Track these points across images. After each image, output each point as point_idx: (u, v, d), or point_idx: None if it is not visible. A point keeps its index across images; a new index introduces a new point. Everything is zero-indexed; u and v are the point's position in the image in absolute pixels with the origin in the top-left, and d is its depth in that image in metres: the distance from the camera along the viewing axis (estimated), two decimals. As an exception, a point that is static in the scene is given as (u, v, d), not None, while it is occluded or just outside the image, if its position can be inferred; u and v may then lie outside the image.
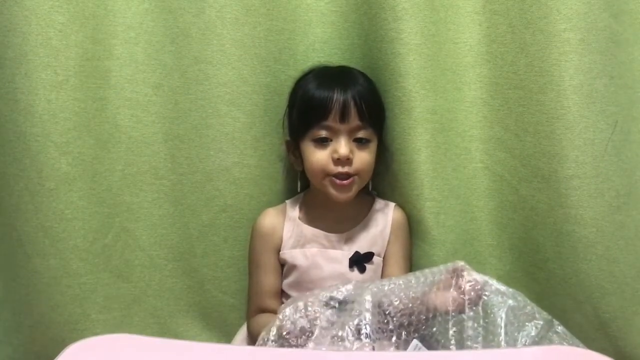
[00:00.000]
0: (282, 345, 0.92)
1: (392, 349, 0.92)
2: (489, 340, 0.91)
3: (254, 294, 1.16)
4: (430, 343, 0.94)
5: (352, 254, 1.14)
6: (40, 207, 1.14)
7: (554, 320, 0.95)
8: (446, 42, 1.17)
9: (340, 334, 0.90)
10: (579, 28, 1.09)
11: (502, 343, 0.89)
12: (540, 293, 1.19)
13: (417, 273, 0.97)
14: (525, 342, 0.90)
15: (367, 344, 0.90)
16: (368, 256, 1.14)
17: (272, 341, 0.93)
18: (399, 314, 0.93)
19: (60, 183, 1.14)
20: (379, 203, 1.19)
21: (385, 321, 0.93)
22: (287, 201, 1.20)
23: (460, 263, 0.95)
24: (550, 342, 0.92)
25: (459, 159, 1.19)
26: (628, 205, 1.13)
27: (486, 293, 0.93)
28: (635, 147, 1.15)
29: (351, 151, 1.09)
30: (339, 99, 1.08)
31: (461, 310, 0.92)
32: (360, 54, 1.20)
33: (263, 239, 1.16)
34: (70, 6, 1.12)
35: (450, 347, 0.91)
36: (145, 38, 1.18)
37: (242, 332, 1.19)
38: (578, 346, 0.94)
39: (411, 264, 1.19)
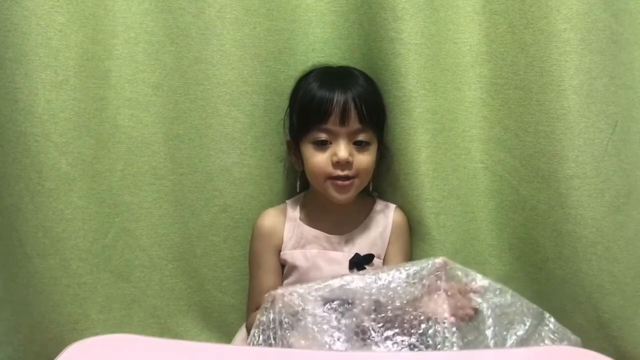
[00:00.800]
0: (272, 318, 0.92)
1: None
2: (479, 340, 0.91)
3: (254, 294, 1.16)
4: (422, 343, 0.94)
5: (352, 255, 1.14)
6: (40, 207, 1.14)
7: (544, 313, 0.95)
8: (446, 42, 1.17)
9: (336, 334, 0.91)
10: (579, 28, 1.09)
11: (491, 343, 0.90)
12: (540, 293, 1.19)
13: (400, 268, 0.96)
14: (514, 342, 0.91)
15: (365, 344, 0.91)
16: (368, 258, 1.14)
17: (266, 309, 0.93)
18: (390, 321, 0.94)
19: (60, 183, 1.14)
20: (380, 204, 1.19)
21: (380, 325, 0.94)
22: (288, 201, 1.20)
23: (440, 259, 0.95)
24: (540, 338, 0.92)
25: (459, 159, 1.19)
26: (628, 205, 1.13)
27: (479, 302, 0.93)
28: (635, 147, 1.15)
29: (351, 154, 1.09)
30: (339, 102, 1.08)
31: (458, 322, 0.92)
32: (360, 54, 1.20)
33: (263, 239, 1.16)
34: (70, 6, 1.12)
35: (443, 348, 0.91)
36: (145, 38, 1.18)
37: (242, 332, 1.19)
38: (569, 338, 0.94)
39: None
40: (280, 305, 0.92)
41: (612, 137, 1.11)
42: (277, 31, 1.18)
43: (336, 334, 0.92)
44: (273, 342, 0.91)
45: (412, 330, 0.93)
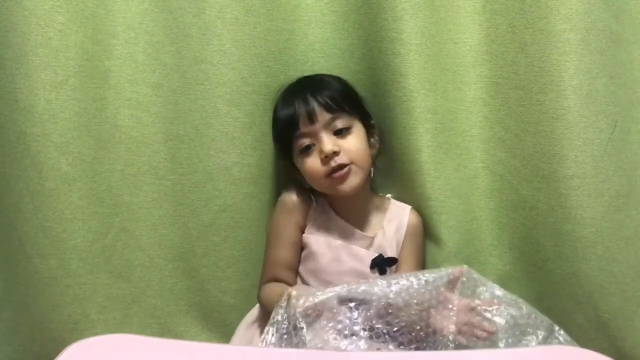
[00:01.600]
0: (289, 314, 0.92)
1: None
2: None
3: (269, 264, 1.16)
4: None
5: (374, 254, 1.14)
6: (40, 207, 1.14)
7: (554, 325, 0.95)
8: (446, 42, 1.17)
9: (349, 335, 0.91)
10: (579, 28, 1.09)
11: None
12: (540, 293, 1.19)
13: (419, 275, 0.97)
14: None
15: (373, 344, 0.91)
16: (391, 261, 1.15)
17: (281, 308, 0.94)
18: (399, 330, 0.94)
19: (60, 183, 1.14)
20: (395, 205, 1.20)
21: (392, 329, 0.94)
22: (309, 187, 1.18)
23: (458, 270, 0.95)
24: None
25: (459, 158, 1.19)
26: (628, 205, 1.13)
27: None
28: (635, 147, 1.15)
29: (334, 144, 1.09)
30: (299, 105, 1.10)
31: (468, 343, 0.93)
32: (360, 54, 1.20)
33: (288, 212, 1.16)
34: (70, 6, 1.12)
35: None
36: (145, 38, 1.18)
37: (241, 331, 1.19)
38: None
39: (424, 268, 1.19)
40: (294, 311, 0.92)
41: (611, 137, 1.11)
42: (277, 31, 1.18)
43: (349, 335, 0.92)
44: (286, 342, 0.91)
45: (418, 340, 0.93)
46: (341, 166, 1.09)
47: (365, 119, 1.15)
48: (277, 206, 1.18)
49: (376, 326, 0.93)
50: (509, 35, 1.15)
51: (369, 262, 1.14)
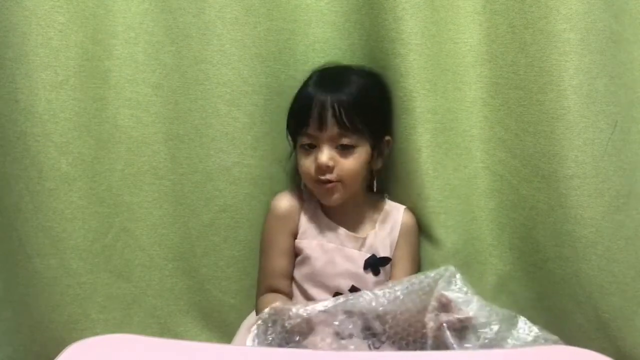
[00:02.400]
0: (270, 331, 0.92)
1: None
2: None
3: (264, 274, 1.16)
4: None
5: (367, 255, 1.14)
6: (40, 207, 1.14)
7: (517, 316, 0.94)
8: (446, 42, 1.17)
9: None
10: (579, 28, 1.09)
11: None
12: (540, 293, 1.19)
13: (405, 282, 0.96)
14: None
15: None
16: (385, 261, 1.15)
17: (264, 323, 0.93)
18: (392, 337, 0.94)
19: (60, 183, 1.14)
20: (390, 205, 1.20)
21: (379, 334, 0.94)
22: (304, 188, 1.18)
23: (448, 272, 0.95)
24: (515, 339, 0.92)
25: (459, 158, 1.19)
26: (628, 205, 1.13)
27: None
28: (635, 147, 1.15)
29: (332, 159, 1.09)
30: (316, 106, 1.08)
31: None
32: (360, 54, 1.20)
33: (280, 221, 1.16)
34: (70, 6, 1.12)
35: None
36: (145, 38, 1.18)
37: (242, 331, 1.19)
38: (547, 338, 0.93)
39: (419, 267, 1.19)
40: (280, 328, 0.92)
41: (612, 137, 1.11)
42: (277, 31, 1.18)
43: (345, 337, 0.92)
44: None
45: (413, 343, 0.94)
46: (329, 181, 1.10)
47: (377, 136, 1.13)
48: (269, 214, 1.17)
49: (369, 330, 0.93)
50: (509, 35, 1.15)
51: (362, 263, 1.14)
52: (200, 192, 1.21)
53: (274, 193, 1.22)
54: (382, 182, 1.21)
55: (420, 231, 1.19)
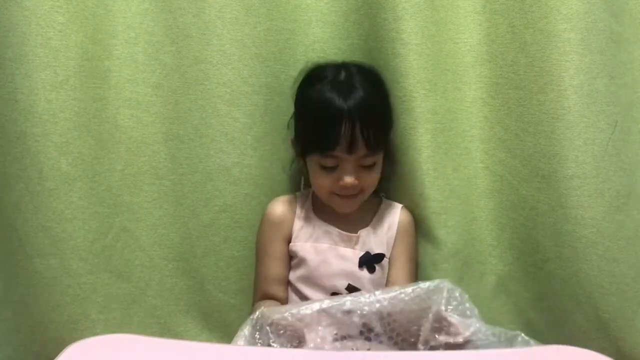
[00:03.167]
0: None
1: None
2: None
3: (260, 281, 1.17)
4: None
5: (362, 253, 1.14)
6: (40, 207, 1.14)
7: (516, 333, 0.93)
8: (446, 42, 1.17)
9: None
10: (579, 28, 1.09)
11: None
12: (540, 293, 1.19)
13: (401, 291, 0.95)
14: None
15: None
16: (379, 257, 1.15)
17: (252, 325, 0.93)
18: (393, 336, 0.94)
19: (60, 183, 1.14)
20: (386, 204, 1.20)
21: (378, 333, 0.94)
22: (297, 193, 1.20)
23: (447, 284, 0.94)
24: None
25: (459, 158, 1.19)
26: (628, 205, 1.13)
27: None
28: (635, 147, 1.15)
29: (357, 177, 1.09)
30: (346, 133, 1.05)
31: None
32: (360, 54, 1.19)
33: (273, 227, 1.16)
34: (70, 6, 1.12)
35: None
36: (145, 38, 1.18)
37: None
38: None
39: (417, 266, 1.19)
40: (265, 329, 0.92)
41: (612, 137, 1.11)
42: (277, 31, 1.18)
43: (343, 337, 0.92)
44: None
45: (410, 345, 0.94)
46: (351, 194, 1.11)
47: (388, 148, 1.15)
48: (263, 220, 1.18)
49: (369, 328, 0.93)
50: (509, 35, 1.15)
51: (356, 261, 1.14)
52: (200, 192, 1.21)
53: (274, 193, 1.22)
54: (383, 182, 1.21)
55: (421, 231, 1.19)
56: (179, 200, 1.22)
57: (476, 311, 0.93)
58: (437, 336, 0.92)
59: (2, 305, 1.23)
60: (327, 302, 0.93)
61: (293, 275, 1.16)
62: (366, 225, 1.17)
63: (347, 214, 1.16)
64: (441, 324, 0.92)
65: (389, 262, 1.16)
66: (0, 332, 1.24)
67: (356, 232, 1.16)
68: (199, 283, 1.24)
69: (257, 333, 0.92)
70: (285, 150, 1.20)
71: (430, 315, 0.92)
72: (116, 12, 1.16)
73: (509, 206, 1.20)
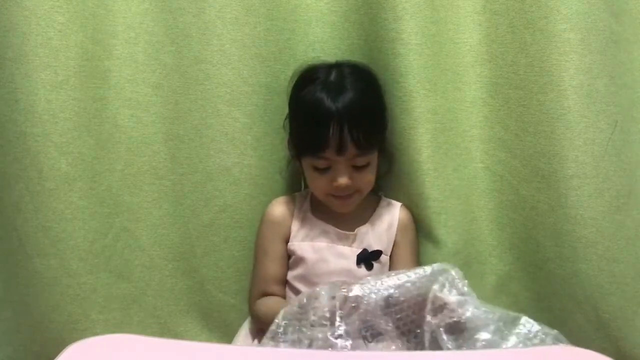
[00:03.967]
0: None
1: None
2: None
3: (259, 280, 1.17)
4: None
5: (359, 250, 1.14)
6: (40, 207, 1.14)
7: (519, 316, 0.93)
8: (446, 42, 1.17)
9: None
10: (579, 28, 1.09)
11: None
12: (540, 293, 1.19)
13: (409, 272, 0.96)
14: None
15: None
16: (376, 254, 1.15)
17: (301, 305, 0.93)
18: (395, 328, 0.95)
19: (60, 183, 1.14)
20: (385, 202, 1.20)
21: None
22: (297, 193, 1.21)
23: (445, 267, 0.94)
24: (516, 339, 0.92)
25: (459, 158, 1.19)
26: (628, 205, 1.13)
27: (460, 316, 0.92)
28: (635, 147, 1.15)
29: (350, 177, 1.09)
30: (334, 135, 1.05)
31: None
32: (360, 54, 1.19)
33: (272, 227, 1.17)
34: (70, 6, 1.12)
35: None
36: (145, 38, 1.18)
37: (243, 332, 1.19)
38: (549, 333, 0.93)
39: (419, 262, 1.19)
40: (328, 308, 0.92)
41: (612, 137, 1.11)
42: (277, 31, 1.18)
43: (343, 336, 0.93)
44: (298, 337, 0.91)
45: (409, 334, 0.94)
46: (347, 194, 1.11)
47: (383, 145, 1.15)
48: (262, 220, 1.18)
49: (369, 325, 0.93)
50: (509, 35, 1.15)
51: (354, 259, 1.14)
52: (200, 192, 1.21)
53: (274, 193, 1.22)
54: (382, 182, 1.21)
55: (421, 231, 1.19)
56: (179, 200, 1.22)
57: (473, 294, 0.94)
58: (432, 317, 0.92)
59: (2, 305, 1.23)
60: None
61: (291, 275, 1.16)
62: (364, 223, 1.17)
63: (344, 213, 1.16)
64: (437, 305, 0.92)
65: (393, 261, 1.16)
66: (0, 332, 1.24)
67: (353, 230, 1.16)
68: (199, 283, 1.24)
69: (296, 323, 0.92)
70: (285, 150, 1.20)
71: (428, 300, 0.93)
72: (116, 12, 1.16)
73: (509, 206, 1.20)
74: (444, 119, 1.17)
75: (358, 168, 1.10)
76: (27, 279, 1.18)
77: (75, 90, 1.14)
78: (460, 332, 0.91)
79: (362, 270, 1.14)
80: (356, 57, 1.19)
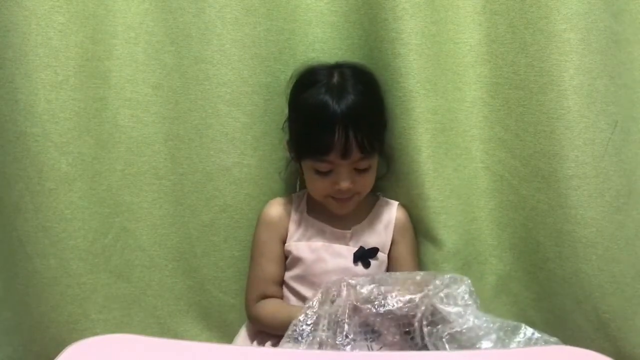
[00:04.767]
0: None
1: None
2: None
3: (256, 281, 1.16)
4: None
5: (354, 248, 1.14)
6: (40, 207, 1.14)
7: (520, 325, 0.94)
8: (446, 42, 1.17)
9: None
10: (579, 28, 1.09)
11: None
12: (540, 293, 1.19)
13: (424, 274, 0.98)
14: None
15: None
16: (373, 252, 1.15)
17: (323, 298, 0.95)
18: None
19: (60, 183, 1.14)
20: (383, 201, 1.20)
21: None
22: (293, 194, 1.21)
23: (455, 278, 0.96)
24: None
25: (459, 158, 1.19)
26: (628, 205, 1.13)
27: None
28: (635, 147, 1.15)
29: (352, 181, 1.09)
30: (340, 140, 1.05)
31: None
32: (360, 54, 1.19)
33: (269, 228, 1.16)
34: (70, 6, 1.12)
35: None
36: (145, 38, 1.18)
37: (243, 331, 1.19)
38: (548, 341, 0.93)
39: (419, 261, 1.20)
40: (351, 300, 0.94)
41: (612, 137, 1.11)
42: (277, 31, 1.18)
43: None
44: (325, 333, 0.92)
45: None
46: (347, 197, 1.12)
47: (382, 147, 1.15)
48: (259, 221, 1.18)
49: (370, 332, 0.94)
50: (509, 35, 1.15)
51: (351, 257, 1.14)
52: (200, 192, 1.21)
53: (274, 193, 1.22)
54: (382, 182, 1.21)
55: (420, 231, 1.19)
56: (179, 200, 1.22)
57: (477, 302, 0.95)
58: (433, 328, 0.92)
59: (2, 305, 1.23)
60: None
61: (288, 275, 1.16)
62: (361, 221, 1.17)
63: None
64: (436, 317, 0.93)
65: (392, 261, 1.17)
66: (0, 332, 1.24)
67: (350, 228, 1.16)
68: (199, 283, 1.24)
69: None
70: (284, 150, 1.20)
71: (424, 307, 0.93)
72: (116, 12, 1.17)
73: (509, 206, 1.20)
74: (444, 119, 1.17)
75: (360, 171, 1.10)
76: (27, 279, 1.18)
77: (75, 90, 1.14)
78: (461, 342, 0.91)
79: (360, 268, 1.14)
80: (356, 57, 1.19)
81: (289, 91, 1.16)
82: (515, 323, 0.93)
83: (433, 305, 0.93)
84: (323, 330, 0.93)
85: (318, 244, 1.15)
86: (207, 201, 1.21)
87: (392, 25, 1.12)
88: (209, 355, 0.84)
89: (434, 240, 1.18)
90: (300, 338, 0.93)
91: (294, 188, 1.24)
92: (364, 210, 1.18)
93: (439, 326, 0.92)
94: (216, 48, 1.16)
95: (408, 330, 0.95)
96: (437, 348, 0.91)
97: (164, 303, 1.25)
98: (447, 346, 0.90)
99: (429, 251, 1.19)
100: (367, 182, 1.13)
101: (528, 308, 1.21)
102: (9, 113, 1.12)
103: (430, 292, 0.94)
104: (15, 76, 1.10)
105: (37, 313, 1.19)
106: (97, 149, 1.17)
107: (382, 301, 0.94)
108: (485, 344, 0.90)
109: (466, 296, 0.94)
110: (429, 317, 0.93)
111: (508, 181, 1.19)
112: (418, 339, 0.94)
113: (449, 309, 0.92)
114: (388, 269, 1.17)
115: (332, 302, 0.96)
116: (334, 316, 0.94)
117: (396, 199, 1.20)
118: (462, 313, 0.92)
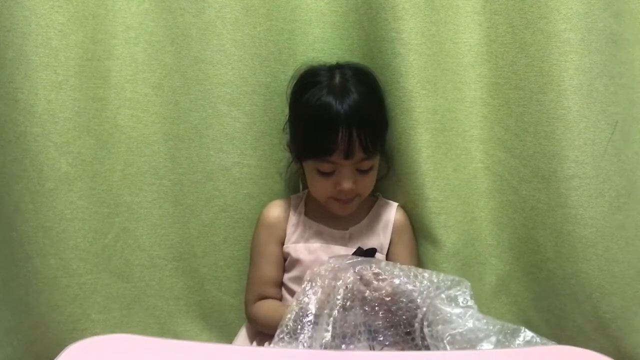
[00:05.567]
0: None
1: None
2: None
3: (255, 283, 1.16)
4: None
5: (352, 249, 1.14)
6: (40, 207, 1.14)
7: (520, 328, 0.94)
8: (446, 42, 1.17)
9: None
10: (579, 28, 1.09)
11: None
12: (540, 293, 1.19)
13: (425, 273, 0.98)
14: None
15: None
16: (371, 252, 1.15)
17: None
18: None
19: (60, 183, 1.14)
20: (382, 202, 1.20)
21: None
22: (292, 196, 1.21)
23: (457, 280, 0.96)
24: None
25: (459, 159, 1.19)
26: (628, 205, 1.13)
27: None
28: (635, 147, 1.15)
29: (354, 182, 1.09)
30: (343, 139, 1.05)
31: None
32: (360, 54, 1.19)
33: (268, 230, 1.17)
34: (70, 6, 1.12)
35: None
36: (145, 38, 1.18)
37: (243, 332, 1.19)
38: (543, 343, 0.94)
39: (419, 262, 1.20)
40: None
41: (612, 137, 1.11)
42: (277, 31, 1.18)
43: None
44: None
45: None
46: (348, 198, 1.12)
47: (384, 148, 1.15)
48: (258, 223, 1.18)
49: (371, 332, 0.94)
50: (509, 35, 1.15)
51: None
52: (200, 192, 1.21)
53: (274, 193, 1.22)
54: (382, 183, 1.21)
55: (420, 231, 1.19)
56: (179, 200, 1.22)
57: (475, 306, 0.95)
58: (433, 329, 0.92)
59: (2, 305, 1.23)
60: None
61: (287, 277, 1.16)
62: (360, 222, 1.17)
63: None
64: (437, 317, 0.93)
65: (387, 259, 1.16)
66: (0, 332, 1.24)
67: (347, 229, 1.16)
68: (199, 283, 1.24)
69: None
70: (284, 150, 1.20)
71: (425, 308, 0.93)
72: (116, 12, 1.17)
73: (509, 206, 1.20)
74: (443, 119, 1.17)
75: (362, 172, 1.10)
76: (27, 279, 1.18)
77: (75, 90, 1.14)
78: (461, 344, 0.91)
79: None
80: (356, 57, 1.19)
81: (289, 92, 1.16)
82: (515, 326, 0.93)
83: (434, 306, 0.93)
84: (316, 324, 0.93)
85: (316, 245, 1.15)
86: (206, 201, 1.21)
87: (392, 25, 1.12)
88: (209, 355, 0.84)
89: (433, 241, 1.18)
90: (292, 335, 0.93)
91: (294, 189, 1.24)
92: (362, 211, 1.18)
93: (440, 327, 0.92)
94: (216, 48, 1.16)
95: (409, 331, 0.95)
96: (437, 349, 0.91)
97: (163, 303, 1.25)
98: (447, 347, 0.90)
99: (428, 251, 1.19)
100: (369, 183, 1.13)
101: (528, 308, 1.21)
102: (9, 113, 1.12)
103: (432, 293, 0.94)
104: (15, 76, 1.11)
105: (37, 313, 1.19)
106: (97, 149, 1.17)
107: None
108: (486, 346, 0.90)
109: (467, 298, 0.94)
110: (430, 317, 0.93)
111: (508, 181, 1.19)
112: (419, 340, 0.94)
113: (450, 310, 0.92)
114: None
115: (327, 293, 0.96)
116: (327, 310, 0.94)
117: (396, 199, 1.20)
118: (463, 314, 0.92)
